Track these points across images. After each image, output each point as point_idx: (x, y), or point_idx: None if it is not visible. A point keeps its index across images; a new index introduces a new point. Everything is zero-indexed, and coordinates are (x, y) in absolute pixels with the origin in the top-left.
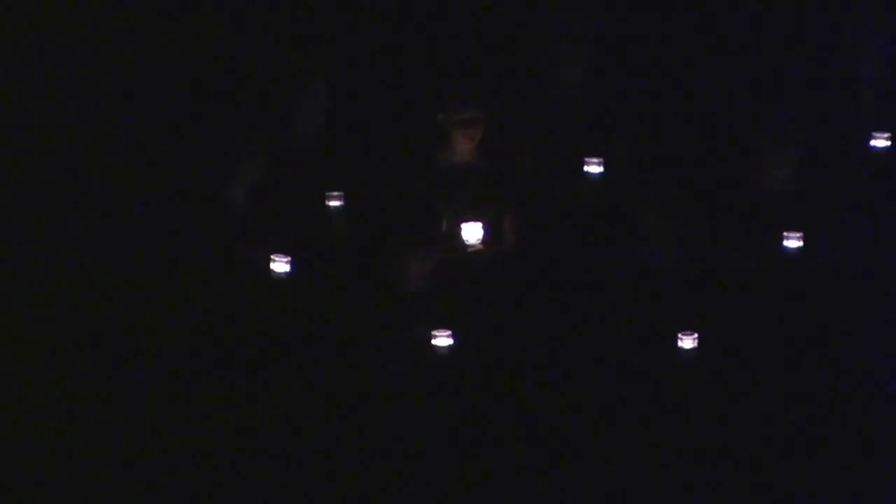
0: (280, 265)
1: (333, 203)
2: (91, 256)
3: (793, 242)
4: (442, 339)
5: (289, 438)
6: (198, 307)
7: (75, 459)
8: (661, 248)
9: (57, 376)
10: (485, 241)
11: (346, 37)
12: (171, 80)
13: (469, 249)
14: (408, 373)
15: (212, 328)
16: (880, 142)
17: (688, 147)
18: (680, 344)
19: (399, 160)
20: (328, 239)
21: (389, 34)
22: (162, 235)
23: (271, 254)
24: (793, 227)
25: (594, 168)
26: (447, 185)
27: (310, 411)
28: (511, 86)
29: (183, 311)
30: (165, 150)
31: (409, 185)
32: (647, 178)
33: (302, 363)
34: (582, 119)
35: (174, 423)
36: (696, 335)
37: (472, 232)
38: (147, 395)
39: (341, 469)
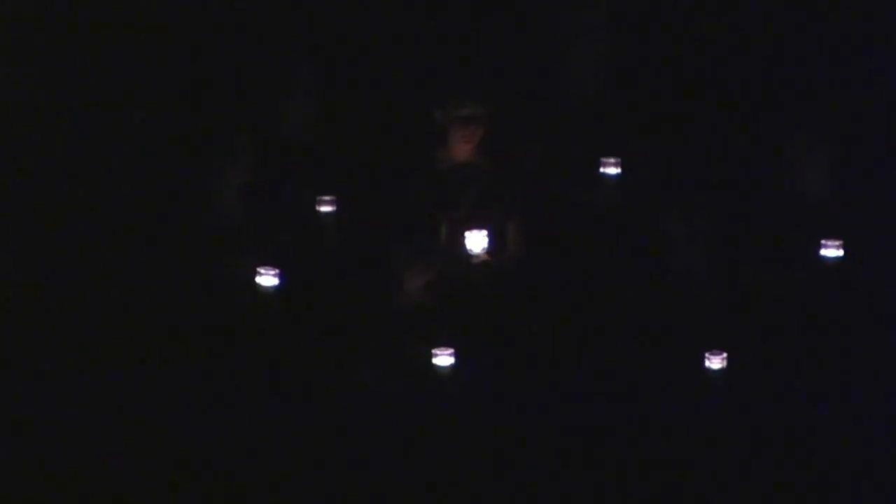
0: (267, 278)
1: (324, 208)
2: (66, 263)
3: (831, 252)
4: (443, 359)
5: (277, 463)
6: (175, 322)
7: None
8: (685, 258)
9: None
10: (490, 251)
11: (334, 25)
12: (146, 76)
13: (473, 260)
14: (405, 395)
15: (191, 346)
16: None
17: (715, 147)
18: (707, 364)
19: (393, 161)
20: (317, 248)
21: (381, 21)
22: (136, 244)
23: (257, 266)
24: (831, 235)
25: (611, 169)
26: (446, 190)
27: (299, 436)
28: (515, 77)
29: (158, 327)
30: (138, 149)
31: (405, 190)
32: (671, 180)
33: (290, 384)
34: (597, 114)
35: (155, 450)
36: (724, 355)
37: (476, 241)
38: (122, 420)
39: (332, 496)
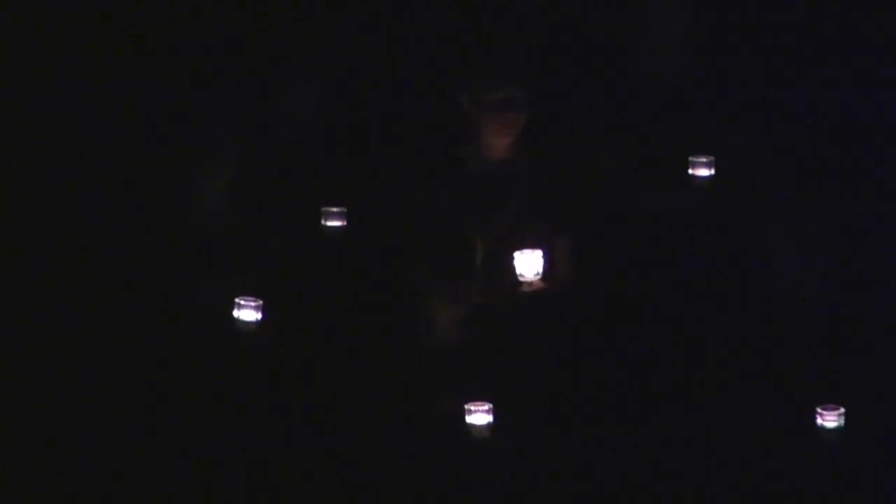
0: (247, 312)
1: (331, 222)
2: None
3: None
4: (479, 416)
5: None
6: (148, 362)
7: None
8: (791, 280)
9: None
10: (544, 275)
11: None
12: (139, 67)
13: (523, 288)
14: (431, 463)
15: (168, 393)
16: None
17: (822, 145)
18: (820, 422)
19: (412, 163)
20: (323, 271)
21: None
22: (113, 264)
23: (237, 295)
24: None
25: (702, 171)
26: (480, 197)
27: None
28: (566, 48)
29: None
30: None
31: (427, 198)
32: (773, 185)
33: (288, 442)
34: (683, 100)
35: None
36: (841, 410)
37: (528, 264)
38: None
39: None
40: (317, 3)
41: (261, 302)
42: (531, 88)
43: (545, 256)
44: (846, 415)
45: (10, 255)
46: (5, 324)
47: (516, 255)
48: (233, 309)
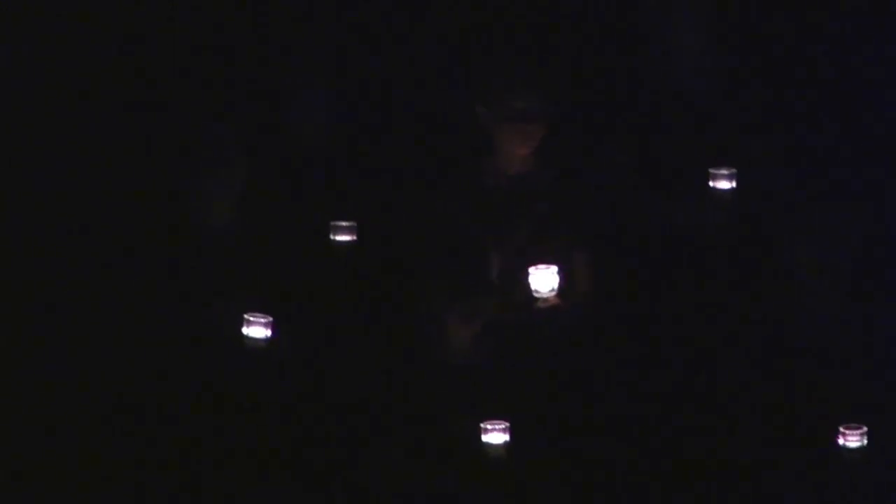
0: (257, 329)
1: (339, 237)
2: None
3: None
4: (495, 435)
5: None
6: (150, 382)
7: None
8: (819, 298)
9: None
10: (560, 291)
11: (358, 3)
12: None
13: (539, 304)
14: (447, 480)
15: (177, 412)
16: None
17: (845, 156)
18: (842, 443)
19: (426, 175)
20: (332, 288)
21: None
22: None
23: (246, 311)
24: None
25: (723, 183)
26: (497, 211)
27: None
28: (587, 58)
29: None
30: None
31: (442, 212)
32: (800, 198)
33: (298, 462)
34: (706, 115)
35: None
36: (865, 430)
37: (544, 280)
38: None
39: None
40: (330, 11)
41: (270, 319)
42: (550, 99)
43: (560, 272)
44: (869, 434)
45: (14, 271)
46: (7, 343)
47: (531, 270)
48: (242, 325)
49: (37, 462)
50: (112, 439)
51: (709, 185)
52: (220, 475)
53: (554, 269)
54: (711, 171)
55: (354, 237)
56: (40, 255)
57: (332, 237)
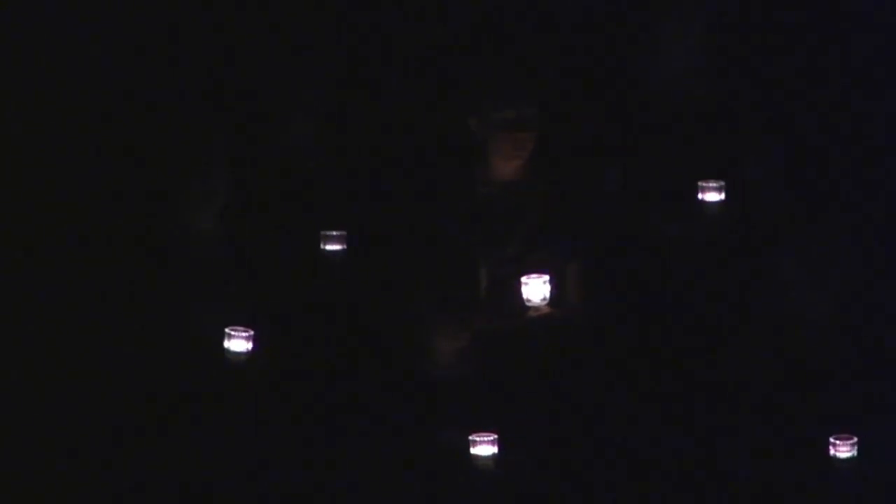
0: (238, 342)
1: (329, 247)
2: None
3: None
4: (483, 447)
5: None
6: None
7: None
8: (809, 305)
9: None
10: (551, 301)
11: (346, 14)
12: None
13: (529, 314)
14: (436, 493)
15: (161, 424)
16: None
17: (834, 168)
18: (833, 453)
19: (417, 185)
20: (321, 298)
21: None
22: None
23: (229, 325)
24: None
25: (712, 195)
26: (488, 221)
27: None
28: (578, 67)
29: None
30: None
31: (433, 222)
32: (788, 207)
33: (285, 475)
34: (696, 124)
35: None
36: (854, 440)
37: (535, 290)
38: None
39: None
40: (321, 20)
41: (251, 332)
42: (541, 109)
43: (552, 282)
44: (859, 445)
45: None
46: None
47: (523, 280)
48: (223, 339)
49: (21, 467)
50: (94, 446)
51: (698, 197)
52: (206, 484)
53: (546, 278)
54: (700, 183)
55: (344, 246)
56: (26, 263)
57: (322, 246)
